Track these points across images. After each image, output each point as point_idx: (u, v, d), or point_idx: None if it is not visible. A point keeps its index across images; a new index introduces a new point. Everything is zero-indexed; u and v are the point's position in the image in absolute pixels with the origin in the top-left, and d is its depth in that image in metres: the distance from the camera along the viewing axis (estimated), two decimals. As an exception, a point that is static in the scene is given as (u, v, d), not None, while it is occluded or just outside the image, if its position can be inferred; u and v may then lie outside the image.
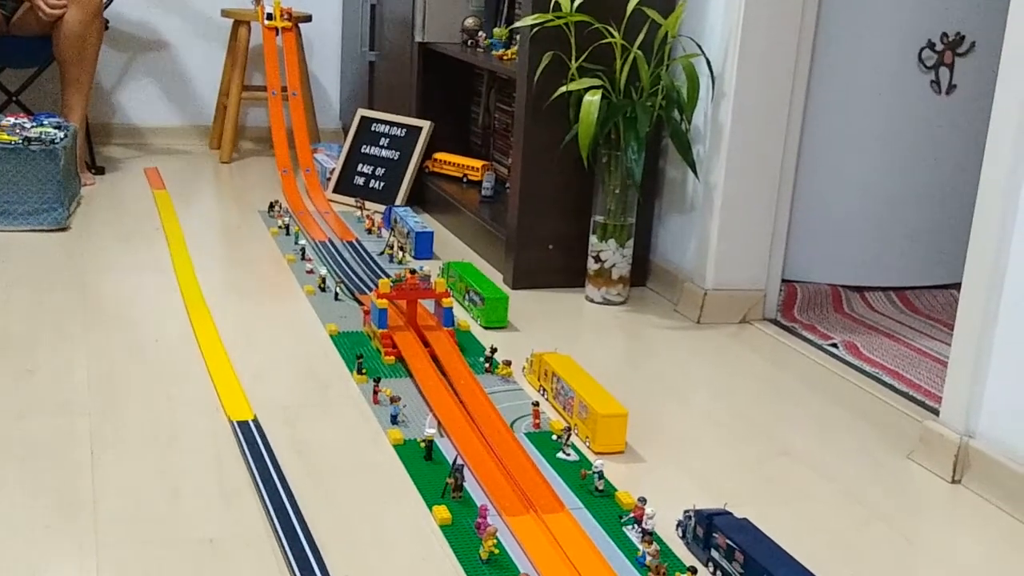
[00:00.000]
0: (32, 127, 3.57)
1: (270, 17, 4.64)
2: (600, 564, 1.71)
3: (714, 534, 1.73)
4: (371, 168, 4.13)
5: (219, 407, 2.25)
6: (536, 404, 2.28)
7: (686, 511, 1.82)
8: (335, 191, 4.17)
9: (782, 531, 1.88)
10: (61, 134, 3.57)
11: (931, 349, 2.85)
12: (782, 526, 1.90)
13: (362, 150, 4.18)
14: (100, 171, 4.35)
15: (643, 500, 1.87)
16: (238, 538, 1.75)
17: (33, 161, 3.44)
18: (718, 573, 1.72)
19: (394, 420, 2.22)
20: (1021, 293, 2.03)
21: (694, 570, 1.69)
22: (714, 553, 1.73)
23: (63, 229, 3.49)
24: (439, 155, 4.11)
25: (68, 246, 3.33)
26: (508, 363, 2.53)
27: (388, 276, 2.87)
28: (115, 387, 2.31)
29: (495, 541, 1.75)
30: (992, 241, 2.07)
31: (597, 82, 2.98)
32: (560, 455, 2.12)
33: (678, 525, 1.85)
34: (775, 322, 3.05)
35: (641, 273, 3.30)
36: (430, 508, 1.88)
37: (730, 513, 1.79)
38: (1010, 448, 2.04)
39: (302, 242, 3.47)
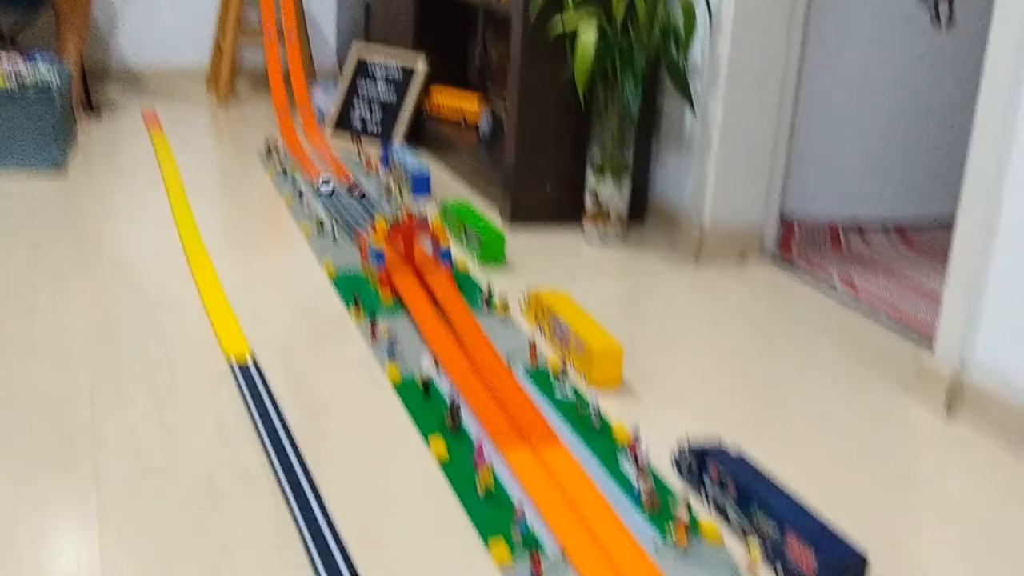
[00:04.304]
0: (28, 69, 3.55)
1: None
2: (595, 496, 1.73)
3: (708, 467, 1.75)
4: (368, 108, 4.11)
5: (218, 348, 2.26)
6: (533, 342, 2.30)
7: (681, 445, 1.84)
8: (332, 132, 4.16)
9: (776, 464, 1.90)
10: (57, 77, 3.55)
11: (929, 286, 2.85)
12: (776, 460, 1.92)
13: (359, 91, 4.16)
14: (97, 113, 4.34)
15: (639, 434, 1.89)
16: (237, 477, 1.77)
17: (29, 104, 3.43)
18: (712, 505, 1.74)
19: (392, 359, 2.23)
20: (1017, 226, 2.03)
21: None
22: (708, 485, 1.75)
23: (60, 171, 3.48)
24: (436, 90, 4.09)
25: (65, 189, 3.33)
26: (506, 302, 2.53)
27: (385, 216, 2.88)
28: (114, 330, 2.33)
29: (492, 475, 1.77)
30: (988, 173, 2.07)
31: (594, 19, 2.95)
32: (557, 392, 2.14)
33: (673, 458, 1.87)
34: (773, 259, 3.05)
35: (639, 211, 3.30)
36: (428, 444, 1.90)
37: (724, 447, 1.80)
38: (1004, 381, 2.06)
39: (299, 183, 3.46)
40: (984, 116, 2.07)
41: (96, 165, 3.63)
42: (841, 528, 1.71)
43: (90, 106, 4.35)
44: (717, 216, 3.01)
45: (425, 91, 4.09)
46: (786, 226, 3.10)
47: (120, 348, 2.23)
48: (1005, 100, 2.02)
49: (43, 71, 3.54)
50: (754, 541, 1.62)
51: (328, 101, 4.35)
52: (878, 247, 3.15)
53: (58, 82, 3.53)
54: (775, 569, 1.57)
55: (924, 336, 2.50)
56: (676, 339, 2.46)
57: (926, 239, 3.21)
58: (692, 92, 3.02)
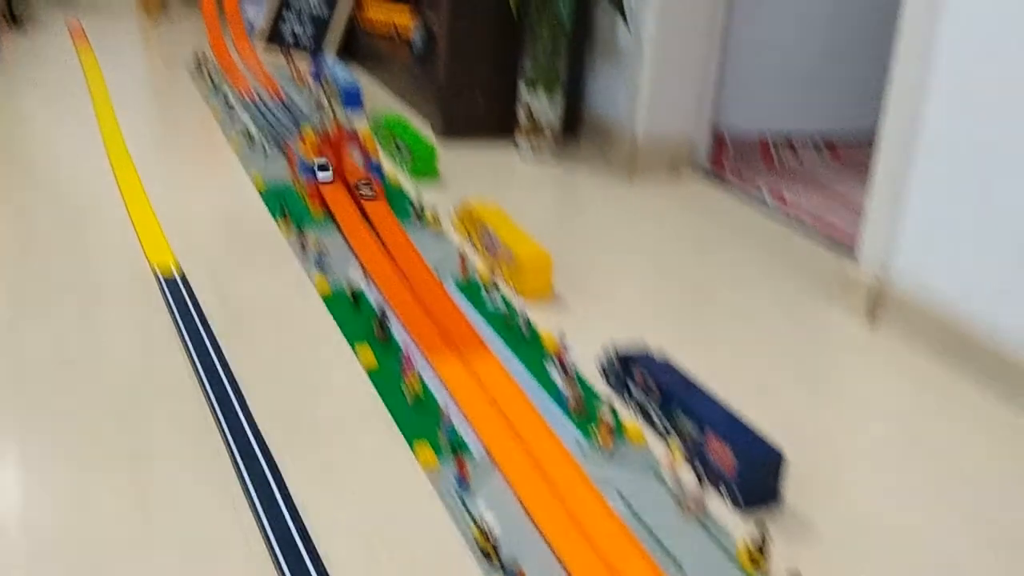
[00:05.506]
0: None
1: None
2: (522, 401, 1.75)
3: (633, 372, 1.77)
4: (300, 21, 4.04)
5: (144, 259, 2.23)
6: (463, 253, 2.29)
7: (607, 351, 1.86)
8: (263, 45, 4.08)
9: (701, 370, 1.91)
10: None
11: (856, 200, 2.88)
12: (701, 365, 1.93)
13: (290, 4, 4.08)
14: (20, 26, 4.22)
15: (566, 342, 1.90)
16: (161, 384, 1.76)
17: (-54, 14, 3.33)
18: (636, 408, 1.76)
19: (321, 271, 2.22)
20: (936, 140, 2.05)
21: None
22: (633, 389, 1.77)
23: (-19, 85, 3.40)
24: (368, 3, 4.02)
25: (-13, 102, 3.25)
26: (437, 215, 2.53)
27: (315, 129, 2.83)
28: (37, 240, 2.29)
29: (419, 382, 1.77)
30: (909, 89, 2.08)
31: (526, -72, 2.91)
32: (488, 303, 2.14)
33: (599, 364, 1.89)
34: (705, 173, 3.06)
35: (572, 125, 3.29)
36: (356, 352, 1.90)
37: (650, 352, 1.82)
38: (923, 289, 2.09)
39: (229, 97, 3.41)
40: (906, 35, 2.09)
41: (20, 78, 3.54)
42: (762, 429, 1.74)
43: (13, 19, 4.23)
44: (650, 130, 3.01)
45: (357, 5, 4.02)
46: (718, 140, 3.11)
47: (44, 258, 2.20)
48: (925, 17, 2.03)
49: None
50: (675, 441, 1.65)
51: (259, 14, 4.26)
52: (808, 161, 3.18)
53: (-23, -9, 3.42)
54: (695, 468, 1.60)
55: (850, 247, 2.53)
56: (607, 251, 2.48)
57: (855, 154, 3.24)
58: (625, 5, 3.00)
